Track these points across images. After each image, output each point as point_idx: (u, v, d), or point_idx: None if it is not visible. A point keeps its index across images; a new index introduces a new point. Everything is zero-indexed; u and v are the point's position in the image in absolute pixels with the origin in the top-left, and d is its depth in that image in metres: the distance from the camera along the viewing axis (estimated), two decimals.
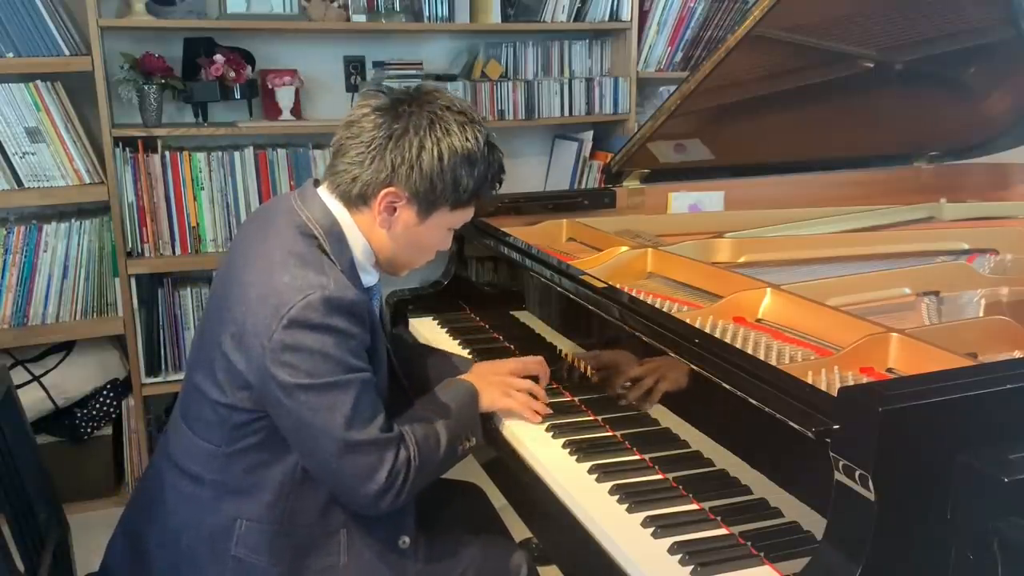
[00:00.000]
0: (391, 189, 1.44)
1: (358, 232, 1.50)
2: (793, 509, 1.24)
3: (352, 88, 3.29)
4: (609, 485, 1.41)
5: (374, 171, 1.44)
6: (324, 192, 1.51)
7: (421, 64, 3.25)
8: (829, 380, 1.35)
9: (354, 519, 1.48)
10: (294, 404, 1.35)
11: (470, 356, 1.91)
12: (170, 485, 1.52)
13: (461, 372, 1.71)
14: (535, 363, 1.72)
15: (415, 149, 1.42)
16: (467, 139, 1.44)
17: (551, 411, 1.65)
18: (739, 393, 1.28)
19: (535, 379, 1.69)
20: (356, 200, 1.47)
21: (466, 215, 1.54)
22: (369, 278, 1.55)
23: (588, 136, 3.53)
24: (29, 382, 2.84)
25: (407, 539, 1.50)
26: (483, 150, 1.47)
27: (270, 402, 1.39)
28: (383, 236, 1.50)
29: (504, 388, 1.63)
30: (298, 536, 1.46)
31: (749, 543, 1.23)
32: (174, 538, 1.49)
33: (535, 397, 1.66)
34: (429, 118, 1.43)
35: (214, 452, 1.46)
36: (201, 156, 2.94)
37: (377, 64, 3.25)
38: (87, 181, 2.84)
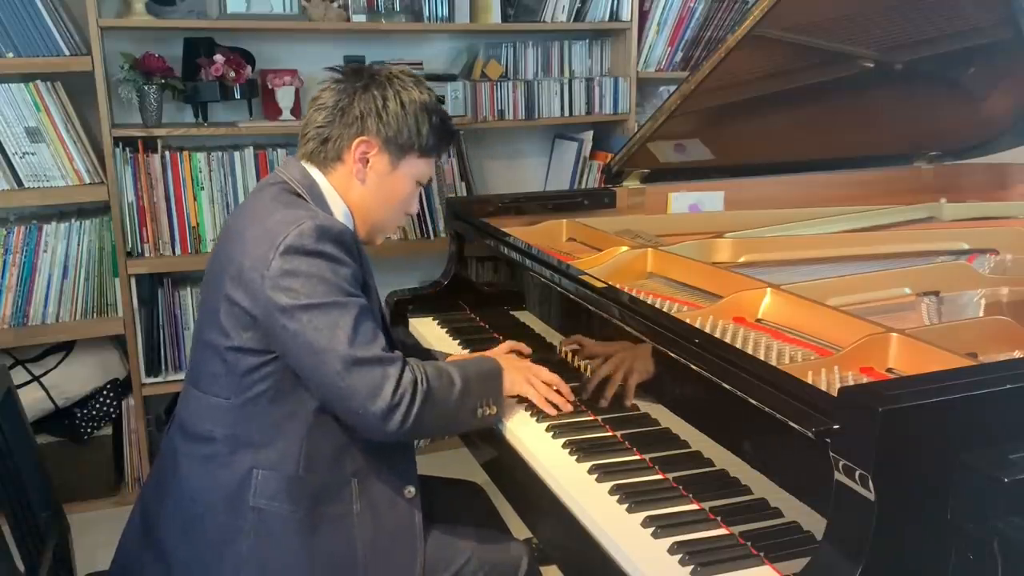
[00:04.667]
0: (363, 138, 1.58)
1: (336, 196, 1.60)
2: (793, 509, 1.24)
3: None
4: (609, 485, 1.41)
5: (343, 125, 1.58)
6: (301, 162, 1.63)
7: (421, 64, 3.24)
8: (829, 380, 1.35)
9: (364, 467, 1.51)
10: (298, 326, 1.40)
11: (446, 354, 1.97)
12: (183, 455, 1.54)
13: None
14: (512, 344, 1.88)
15: (379, 100, 1.57)
16: (422, 92, 1.62)
17: (570, 407, 1.66)
18: (739, 393, 1.28)
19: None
20: (331, 159, 1.60)
21: (430, 168, 1.68)
22: None
23: (588, 136, 3.52)
24: (29, 382, 2.84)
25: (412, 489, 1.55)
26: (436, 105, 1.63)
27: (275, 333, 1.43)
28: (360, 191, 1.61)
29: (527, 375, 1.66)
30: (314, 482, 1.49)
31: (749, 543, 1.23)
32: (188, 504, 1.51)
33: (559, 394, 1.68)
34: (387, 77, 1.61)
35: (225, 406, 1.49)
36: (201, 156, 2.94)
37: (377, 64, 3.24)
38: (87, 181, 2.83)
